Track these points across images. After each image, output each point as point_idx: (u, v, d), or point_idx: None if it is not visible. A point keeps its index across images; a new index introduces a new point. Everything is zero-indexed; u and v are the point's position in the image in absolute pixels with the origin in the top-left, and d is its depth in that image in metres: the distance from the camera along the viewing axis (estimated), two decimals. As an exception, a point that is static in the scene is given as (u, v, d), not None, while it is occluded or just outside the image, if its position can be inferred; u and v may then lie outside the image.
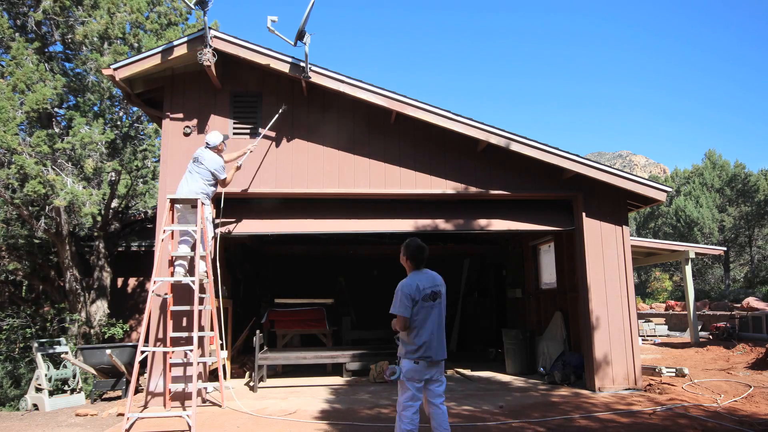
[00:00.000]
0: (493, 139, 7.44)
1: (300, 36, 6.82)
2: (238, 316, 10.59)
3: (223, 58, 7.44)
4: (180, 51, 7.13)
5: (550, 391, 7.63)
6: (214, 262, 7.16)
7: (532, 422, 5.79)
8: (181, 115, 7.54)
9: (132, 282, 11.99)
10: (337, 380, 8.90)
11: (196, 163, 6.78)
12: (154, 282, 6.46)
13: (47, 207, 9.43)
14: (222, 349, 8.98)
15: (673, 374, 8.81)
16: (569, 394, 7.42)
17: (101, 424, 6.35)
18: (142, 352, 6.18)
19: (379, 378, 8.63)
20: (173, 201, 6.72)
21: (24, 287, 11.88)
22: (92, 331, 10.32)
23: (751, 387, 7.58)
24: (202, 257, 6.66)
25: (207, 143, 6.85)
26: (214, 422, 5.99)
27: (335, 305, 12.26)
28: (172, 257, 6.81)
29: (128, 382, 8.19)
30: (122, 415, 6.59)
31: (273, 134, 7.60)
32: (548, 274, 10.12)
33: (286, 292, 13.70)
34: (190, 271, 6.76)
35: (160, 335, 7.00)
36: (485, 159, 7.83)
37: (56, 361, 8.21)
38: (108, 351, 7.88)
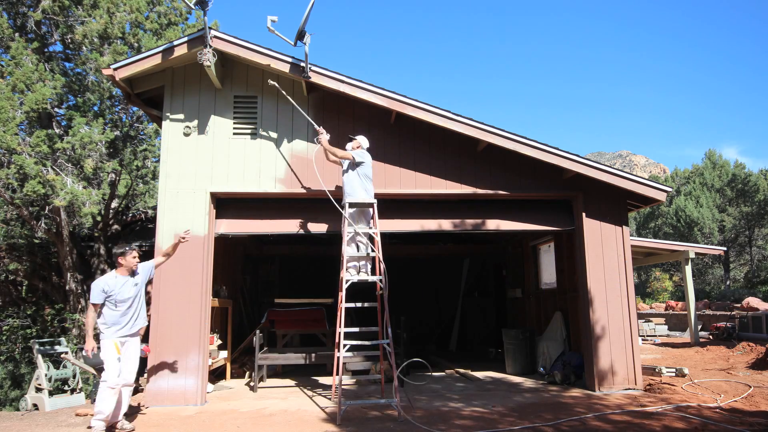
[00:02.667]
0: (493, 139, 7.43)
1: (300, 36, 6.82)
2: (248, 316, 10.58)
3: (223, 58, 7.45)
4: (180, 51, 7.13)
5: (551, 391, 7.62)
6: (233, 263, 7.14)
7: (543, 424, 5.74)
8: (181, 116, 7.54)
9: (132, 282, 11.97)
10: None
11: (365, 166, 7.02)
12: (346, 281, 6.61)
13: (47, 207, 9.43)
14: (222, 349, 8.99)
15: (673, 374, 8.81)
16: (574, 394, 7.42)
17: (101, 424, 6.34)
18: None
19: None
20: (352, 205, 7.03)
21: (24, 287, 11.88)
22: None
23: (751, 387, 7.58)
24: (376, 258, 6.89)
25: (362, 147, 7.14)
26: (214, 422, 5.99)
27: (335, 305, 12.23)
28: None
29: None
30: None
31: (274, 135, 7.61)
32: (548, 274, 10.12)
33: (286, 292, 13.70)
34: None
35: (163, 335, 6.99)
36: (485, 159, 7.83)
37: (56, 361, 8.21)
38: None
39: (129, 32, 10.24)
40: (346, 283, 6.60)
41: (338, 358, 6.31)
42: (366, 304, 6.96)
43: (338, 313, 6.68)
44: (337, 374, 6.38)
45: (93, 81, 10.02)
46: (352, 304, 6.75)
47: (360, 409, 6.57)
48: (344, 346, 6.27)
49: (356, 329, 6.87)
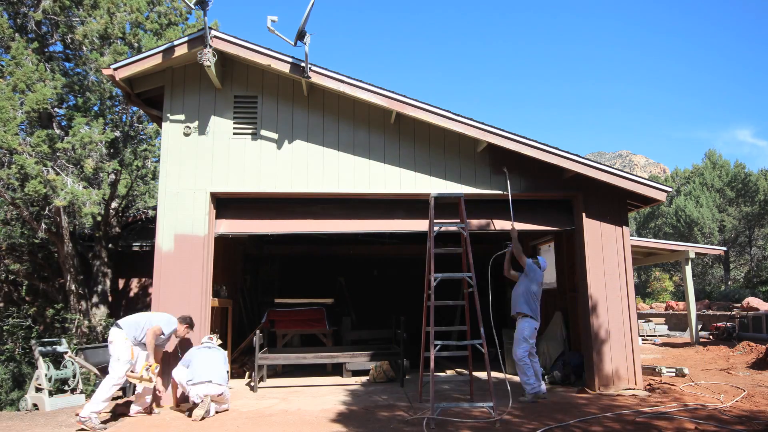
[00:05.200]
0: (494, 139, 7.44)
1: (300, 36, 6.83)
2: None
3: (223, 58, 7.45)
4: (180, 51, 7.13)
5: (558, 392, 7.61)
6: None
7: (557, 425, 5.69)
8: (181, 116, 7.54)
9: (134, 283, 11.98)
10: (338, 380, 8.90)
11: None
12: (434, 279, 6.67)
13: (48, 207, 9.43)
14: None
15: (673, 374, 8.81)
16: (581, 394, 7.41)
17: (101, 424, 6.34)
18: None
19: (379, 378, 8.63)
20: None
21: (24, 287, 11.89)
22: (92, 332, 10.32)
23: (752, 387, 7.58)
24: None
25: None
26: (214, 422, 6.00)
27: (335, 305, 12.28)
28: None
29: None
30: (123, 415, 6.59)
31: (274, 135, 7.61)
32: (548, 274, 10.10)
33: (286, 292, 13.70)
34: None
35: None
36: (485, 159, 7.84)
37: (56, 361, 8.21)
38: None
39: (129, 32, 10.25)
40: (435, 281, 6.58)
41: (431, 357, 6.11)
42: (451, 303, 7.04)
43: (428, 312, 6.62)
44: (426, 373, 6.41)
45: (93, 81, 10.03)
46: (442, 302, 6.75)
47: (366, 409, 6.57)
48: (435, 346, 6.16)
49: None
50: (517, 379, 8.85)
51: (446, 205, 8.08)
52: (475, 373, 9.26)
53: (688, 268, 13.75)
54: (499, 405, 6.65)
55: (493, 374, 9.28)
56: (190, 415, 6.18)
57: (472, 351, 7.24)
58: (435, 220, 6.88)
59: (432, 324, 6.31)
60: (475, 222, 7.99)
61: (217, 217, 7.62)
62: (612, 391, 7.45)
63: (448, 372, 9.64)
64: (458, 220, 6.91)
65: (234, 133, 7.58)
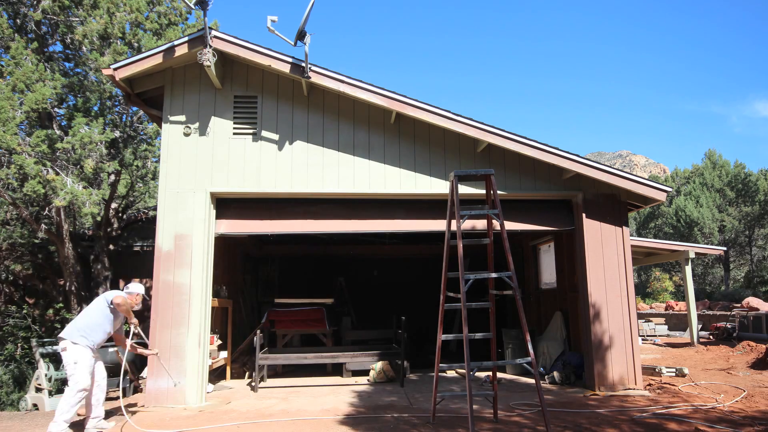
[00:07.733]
0: (494, 140, 7.44)
1: (300, 36, 6.83)
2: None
3: (223, 59, 7.45)
4: (181, 51, 7.13)
5: (566, 392, 7.60)
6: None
7: (567, 427, 5.67)
8: (181, 116, 7.54)
9: (133, 283, 11.97)
10: (338, 380, 8.90)
11: None
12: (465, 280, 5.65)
13: (47, 207, 9.44)
14: (222, 349, 8.99)
15: (673, 374, 8.81)
16: (587, 394, 7.40)
17: (101, 424, 6.34)
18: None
19: (379, 378, 8.62)
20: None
21: (24, 288, 11.88)
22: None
23: (751, 387, 7.58)
24: None
25: None
26: (214, 422, 5.99)
27: (335, 305, 12.28)
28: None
29: (131, 381, 8.21)
30: (123, 414, 6.59)
31: (274, 135, 7.61)
32: (548, 274, 10.12)
33: (286, 292, 13.70)
34: None
35: (163, 336, 6.98)
36: (485, 159, 7.84)
37: (56, 361, 8.21)
38: (114, 349, 7.94)
39: (129, 32, 10.25)
40: (466, 284, 5.63)
41: (466, 372, 5.20)
42: (475, 305, 6.35)
43: (446, 315, 6.06)
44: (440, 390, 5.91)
45: (93, 81, 10.03)
46: (473, 304, 6.15)
47: (368, 408, 6.56)
48: (471, 368, 5.18)
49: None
50: (523, 379, 8.86)
51: (445, 203, 8.07)
52: (479, 374, 9.27)
53: (688, 268, 13.74)
54: (505, 406, 6.65)
55: (490, 375, 9.30)
56: None
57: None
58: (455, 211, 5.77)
59: (465, 332, 5.27)
60: (478, 223, 7.98)
61: (217, 217, 7.62)
62: (612, 391, 7.45)
63: (449, 372, 9.64)
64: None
65: (234, 133, 7.58)
